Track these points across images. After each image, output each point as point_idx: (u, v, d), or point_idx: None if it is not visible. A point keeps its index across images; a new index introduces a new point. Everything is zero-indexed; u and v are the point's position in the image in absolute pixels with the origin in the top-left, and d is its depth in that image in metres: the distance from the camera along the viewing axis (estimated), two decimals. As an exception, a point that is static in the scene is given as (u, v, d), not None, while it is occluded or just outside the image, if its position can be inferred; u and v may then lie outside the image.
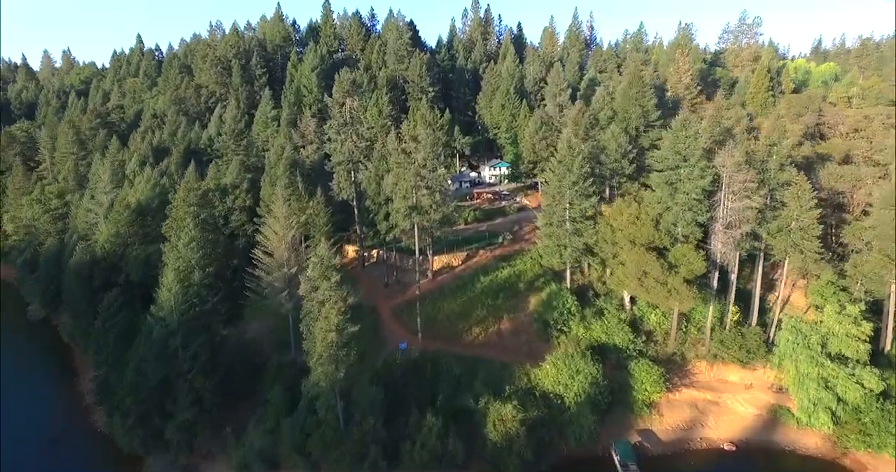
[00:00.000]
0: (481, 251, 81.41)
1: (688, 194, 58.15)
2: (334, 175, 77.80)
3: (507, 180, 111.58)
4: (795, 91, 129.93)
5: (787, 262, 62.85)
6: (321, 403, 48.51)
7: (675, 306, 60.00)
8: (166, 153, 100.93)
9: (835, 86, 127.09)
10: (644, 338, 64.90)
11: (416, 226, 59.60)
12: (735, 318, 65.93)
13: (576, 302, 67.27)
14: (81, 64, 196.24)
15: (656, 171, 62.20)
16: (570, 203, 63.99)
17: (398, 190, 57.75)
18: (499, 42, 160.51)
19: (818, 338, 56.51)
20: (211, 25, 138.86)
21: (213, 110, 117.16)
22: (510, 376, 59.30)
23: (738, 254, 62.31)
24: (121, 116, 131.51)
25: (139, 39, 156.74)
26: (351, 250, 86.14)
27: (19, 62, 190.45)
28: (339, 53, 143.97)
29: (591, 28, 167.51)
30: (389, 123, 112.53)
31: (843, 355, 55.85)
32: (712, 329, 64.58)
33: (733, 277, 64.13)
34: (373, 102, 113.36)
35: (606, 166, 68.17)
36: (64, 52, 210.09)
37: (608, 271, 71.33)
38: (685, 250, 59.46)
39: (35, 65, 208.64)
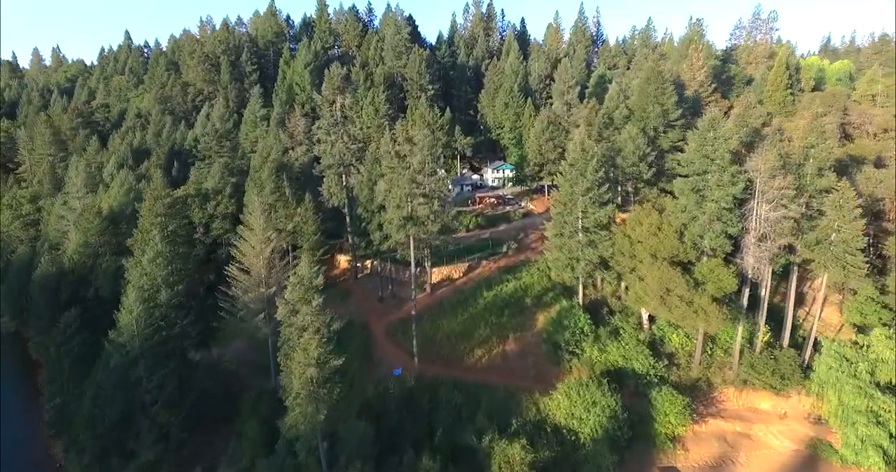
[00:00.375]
0: (484, 262, 75.06)
1: (717, 203, 51.69)
2: (324, 180, 71.46)
3: (511, 183, 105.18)
4: (815, 89, 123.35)
5: (824, 277, 56.31)
6: (301, 444, 42.14)
7: (701, 327, 53.54)
8: (147, 155, 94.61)
9: (857, 83, 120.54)
10: (665, 362, 58.42)
11: (411, 238, 53.20)
12: (765, 339, 59.46)
13: (589, 321, 60.83)
14: (71, 62, 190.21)
15: (680, 176, 55.75)
16: (583, 211, 57.57)
17: (391, 198, 51.42)
18: (501, 38, 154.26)
19: (866, 366, 50.02)
20: (201, 21, 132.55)
21: (200, 109, 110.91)
22: (517, 406, 52.89)
23: (770, 269, 55.82)
24: (105, 116, 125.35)
25: (127, 36, 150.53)
26: (343, 260, 79.85)
27: (7, 60, 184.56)
28: (335, 50, 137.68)
29: (598, 24, 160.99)
30: (386, 122, 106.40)
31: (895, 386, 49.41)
32: (741, 352, 58.08)
33: (765, 294, 57.64)
34: (369, 101, 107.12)
35: (623, 170, 61.75)
36: (53, 49, 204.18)
37: (623, 284, 65.01)
38: (713, 265, 53.03)
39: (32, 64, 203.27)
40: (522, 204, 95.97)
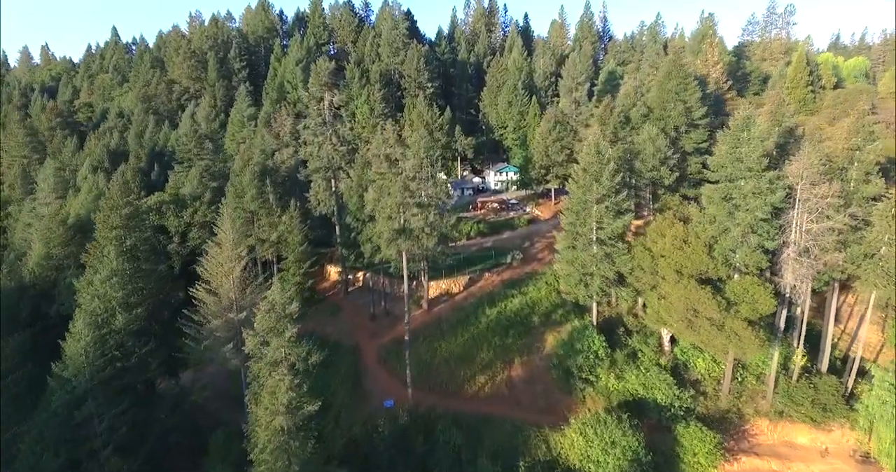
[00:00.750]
0: (486, 274, 68.68)
1: (752, 213, 45.24)
2: (311, 185, 65.16)
3: (514, 187, 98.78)
4: (836, 87, 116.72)
5: (872, 296, 49.82)
6: (272, 500, 35.81)
7: (734, 353, 47.12)
8: (126, 157, 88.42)
9: (882, 80, 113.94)
10: (691, 391, 51.99)
11: (404, 254, 46.87)
12: (802, 363, 53.00)
13: (604, 343, 54.45)
14: (60, 60, 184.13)
15: (709, 182, 49.32)
16: (597, 221, 51.19)
17: (381, 209, 45.05)
18: (504, 34, 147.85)
19: (927, 401, 43.61)
20: (191, 16, 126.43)
21: (186, 109, 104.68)
22: (524, 444, 46.53)
23: (810, 287, 49.39)
24: (88, 115, 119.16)
25: (114, 33, 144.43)
26: (333, 272, 73.53)
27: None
28: (330, 46, 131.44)
29: (605, 19, 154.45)
30: (382, 122, 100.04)
31: (960, 424, 42.96)
32: (776, 379, 51.63)
33: (803, 315, 51.19)
34: (363, 99, 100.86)
35: (642, 175, 55.36)
36: (42, 47, 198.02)
37: (641, 300, 58.72)
38: (748, 284, 46.59)
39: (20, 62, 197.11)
40: (527, 209, 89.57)
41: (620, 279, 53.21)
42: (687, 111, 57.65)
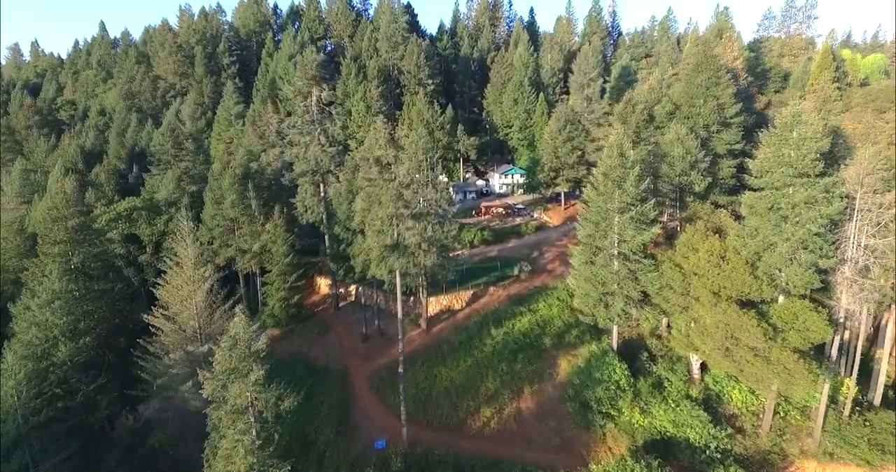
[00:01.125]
0: (492, 288, 62.27)
1: (804, 226, 38.70)
2: (298, 189, 58.79)
3: (521, 191, 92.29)
4: (862, 84, 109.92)
5: (937, 321, 43.22)
6: None
7: (781, 387, 40.59)
8: (101, 158, 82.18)
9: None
10: (727, 428, 45.39)
11: (398, 274, 40.45)
12: (854, 396, 46.44)
13: (626, 371, 47.97)
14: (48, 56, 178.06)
15: (750, 189, 42.77)
16: (620, 234, 44.70)
17: (370, 221, 38.65)
18: (509, 29, 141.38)
19: None
20: (180, 9, 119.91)
21: (171, 106, 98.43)
22: (537, 494, 40.20)
23: (867, 310, 42.83)
24: (71, 113, 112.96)
25: (102, 27, 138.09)
26: (324, 284, 67.14)
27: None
28: (325, 41, 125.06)
29: (614, 14, 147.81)
30: (373, 119, 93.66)
31: None
32: (825, 414, 45.05)
33: (858, 342, 44.61)
34: (360, 96, 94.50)
35: (669, 180, 48.88)
36: (32, 43, 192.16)
37: (665, 320, 52.35)
38: (799, 308, 40.07)
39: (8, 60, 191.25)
40: (535, 215, 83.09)
41: (645, 299, 46.68)
42: (719, 108, 51.11)
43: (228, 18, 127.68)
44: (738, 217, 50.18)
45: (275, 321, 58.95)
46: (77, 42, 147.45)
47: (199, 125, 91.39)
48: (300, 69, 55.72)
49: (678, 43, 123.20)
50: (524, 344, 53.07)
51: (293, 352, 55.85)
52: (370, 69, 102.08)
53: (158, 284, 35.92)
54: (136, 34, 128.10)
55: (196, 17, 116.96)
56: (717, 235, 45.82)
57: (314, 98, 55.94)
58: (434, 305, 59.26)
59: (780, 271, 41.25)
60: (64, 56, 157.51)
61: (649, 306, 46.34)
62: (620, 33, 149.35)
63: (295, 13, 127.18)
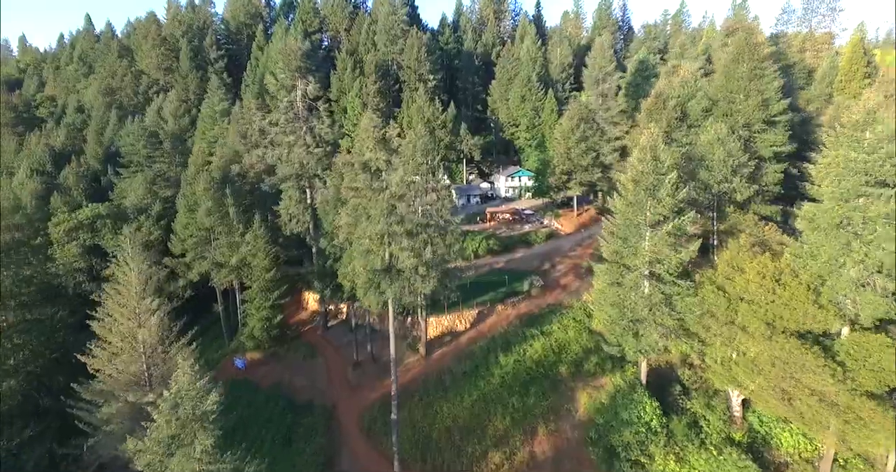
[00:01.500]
0: (499, 306, 55.65)
1: (882, 246, 31.96)
2: (282, 196, 52.21)
3: (529, 194, 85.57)
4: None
5: None
6: None
7: (853, 441, 33.82)
8: (76, 158, 75.62)
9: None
10: (778, 480, 38.72)
11: (390, 304, 33.82)
12: (924, 441, 39.62)
13: (658, 410, 41.28)
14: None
15: (810, 200, 36.01)
16: (653, 252, 37.98)
17: (357, 239, 32.05)
18: (514, 24, 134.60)
19: None
20: (168, 1, 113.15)
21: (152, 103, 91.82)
22: None
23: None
24: (51, 110, 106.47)
25: (87, 20, 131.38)
26: (313, 300, 60.51)
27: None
28: (321, 35, 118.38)
29: (625, 8, 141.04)
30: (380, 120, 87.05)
31: None
32: None
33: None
34: (355, 92, 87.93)
35: (707, 188, 42.15)
36: (20, 38, 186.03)
37: (695, 343, 45.55)
38: (874, 344, 33.33)
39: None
40: (545, 222, 76.38)
41: (682, 327, 39.94)
42: (764, 104, 44.37)
43: (219, 10, 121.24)
44: (786, 230, 43.49)
45: (255, 344, 52.40)
46: (62, 36, 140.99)
47: (182, 124, 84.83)
48: (283, 59, 49.14)
49: (693, 40, 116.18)
50: (537, 374, 46.48)
51: (274, 382, 49.25)
52: (367, 64, 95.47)
53: (93, 317, 29.36)
54: (109, 23, 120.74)
55: (183, 9, 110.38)
56: (765, 252, 39.13)
57: (299, 92, 49.36)
58: (434, 326, 52.66)
59: (847, 297, 34.48)
60: (48, 51, 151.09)
61: (687, 335, 39.58)
62: (631, 28, 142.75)
63: (289, 5, 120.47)
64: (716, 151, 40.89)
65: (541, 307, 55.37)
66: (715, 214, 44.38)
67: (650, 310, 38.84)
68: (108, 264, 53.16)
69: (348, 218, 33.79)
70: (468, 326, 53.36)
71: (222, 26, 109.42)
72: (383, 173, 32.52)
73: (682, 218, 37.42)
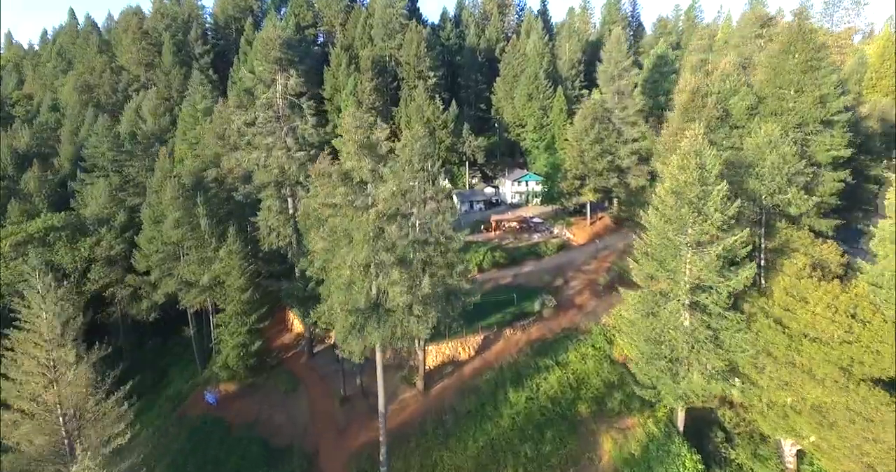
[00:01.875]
0: (507, 330, 49.35)
1: None
2: (261, 206, 45.77)
3: (537, 200, 79.12)
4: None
5: None
6: None
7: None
8: (42, 161, 69.22)
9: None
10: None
11: (378, 348, 27.39)
12: None
13: (699, 465, 34.75)
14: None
15: (892, 218, 29.50)
16: (697, 278, 31.54)
17: (335, 269, 25.63)
18: (519, 19, 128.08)
19: None
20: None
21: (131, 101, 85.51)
22: None
23: None
24: (27, 109, 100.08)
25: (71, 14, 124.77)
26: (298, 321, 53.99)
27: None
28: (316, 30, 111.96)
29: (634, 3, 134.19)
30: (371, 118, 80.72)
31: None
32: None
33: None
34: (349, 90, 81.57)
35: (757, 199, 35.72)
36: (6, 35, 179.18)
37: (746, 386, 38.98)
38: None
39: None
40: (555, 231, 69.88)
41: (731, 368, 33.45)
42: (820, 101, 37.88)
43: (207, 3, 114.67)
44: (850, 250, 37.05)
45: (229, 374, 45.97)
46: (45, 32, 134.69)
47: (162, 124, 78.65)
48: (261, 49, 42.83)
49: (710, 35, 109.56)
50: (553, 414, 40.11)
51: (249, 420, 42.76)
52: (363, 59, 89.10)
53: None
54: (89, 16, 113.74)
55: (168, 0, 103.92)
56: (823, 276, 32.66)
57: (279, 87, 42.96)
58: (434, 354, 46.24)
59: (941, 338, 27.96)
60: (34, 46, 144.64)
61: (739, 378, 33.09)
62: (641, 24, 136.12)
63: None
64: (767, 157, 34.48)
65: (554, 332, 49.00)
66: (762, 229, 37.89)
67: (693, 348, 32.39)
68: (63, 283, 46.76)
69: (324, 242, 27.39)
70: (473, 354, 46.97)
71: (210, 20, 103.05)
72: (369, 186, 26.09)
73: (734, 237, 30.94)
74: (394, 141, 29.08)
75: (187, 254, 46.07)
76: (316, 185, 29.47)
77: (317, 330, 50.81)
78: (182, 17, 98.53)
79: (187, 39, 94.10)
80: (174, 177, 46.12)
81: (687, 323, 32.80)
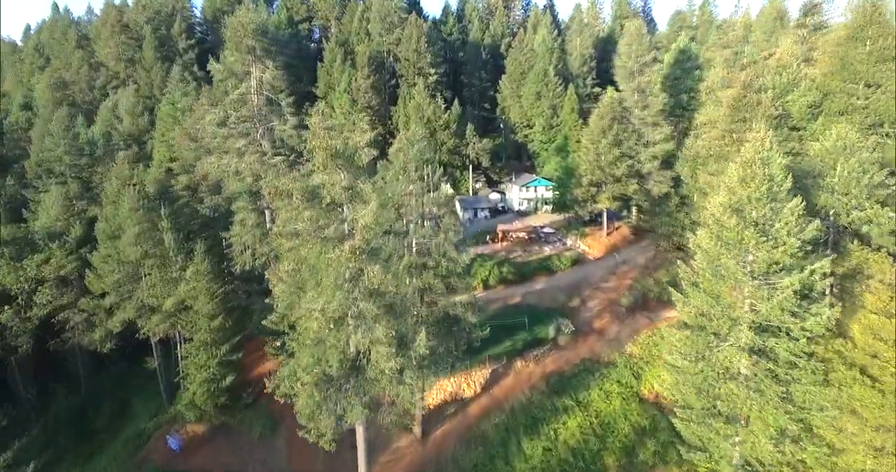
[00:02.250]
0: (518, 361, 43.10)
1: None
2: (234, 219, 39.49)
3: (547, 208, 72.76)
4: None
5: None
6: None
7: None
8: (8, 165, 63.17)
9: None
10: None
11: (359, 427, 21.09)
12: None
13: (760, 543, 28.33)
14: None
15: None
16: (765, 317, 25.18)
17: (303, 317, 19.37)
18: (525, 14, 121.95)
19: None
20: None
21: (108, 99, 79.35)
22: None
23: None
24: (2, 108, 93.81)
25: (55, 8, 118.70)
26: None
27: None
28: (310, 25, 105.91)
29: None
30: (367, 118, 74.58)
31: None
32: None
33: None
34: (343, 87, 75.43)
35: (830, 216, 29.36)
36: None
37: (821, 450, 32.51)
38: None
39: None
40: (568, 242, 63.50)
41: (804, 428, 27.01)
42: (901, 97, 31.62)
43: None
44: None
45: (197, 414, 39.66)
46: (28, 27, 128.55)
47: (140, 123, 72.53)
48: (231, 36, 36.60)
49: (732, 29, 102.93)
50: (576, 470, 33.72)
51: (215, 474, 36.50)
52: (359, 55, 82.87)
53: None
54: (67, 9, 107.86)
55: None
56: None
57: (254, 81, 36.76)
58: (434, 391, 39.89)
59: None
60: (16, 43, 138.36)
61: (813, 442, 26.63)
62: (652, 19, 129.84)
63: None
64: (843, 165, 28.18)
65: (572, 363, 42.72)
66: (829, 251, 31.47)
67: (753, 403, 26.02)
68: (5, 308, 40.57)
69: (285, 285, 21.06)
70: (479, 390, 40.64)
71: (196, 13, 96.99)
72: (345, 209, 19.70)
73: (812, 267, 24.56)
74: (388, 144, 22.90)
75: (149, 274, 39.78)
76: (275, 207, 23.26)
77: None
78: (166, 10, 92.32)
79: (171, 33, 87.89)
80: (135, 185, 39.83)
81: (747, 372, 26.42)
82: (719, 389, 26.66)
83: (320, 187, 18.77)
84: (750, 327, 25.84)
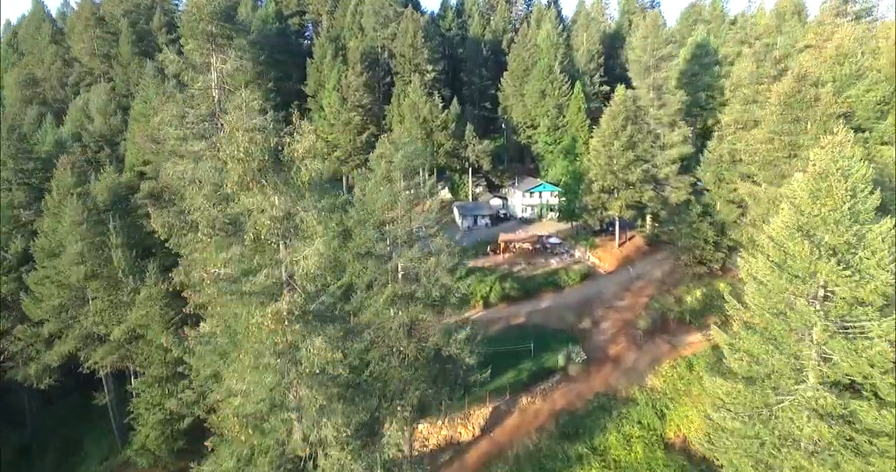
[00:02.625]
0: (523, 397, 37.58)
1: None
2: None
3: (553, 214, 67.18)
4: None
5: None
6: None
7: None
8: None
9: None
10: None
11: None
12: None
13: None
14: None
15: None
16: (843, 373, 19.61)
17: (229, 400, 13.87)
18: (527, 10, 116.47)
19: None
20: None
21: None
22: None
23: None
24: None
25: (35, 2, 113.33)
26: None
27: None
28: (303, 19, 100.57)
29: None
30: (359, 118, 69.27)
31: None
32: None
33: None
34: (332, 84, 70.03)
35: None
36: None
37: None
38: None
39: None
40: (577, 254, 57.94)
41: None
42: None
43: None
44: None
45: (150, 460, 34.17)
46: (9, 23, 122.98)
47: (113, 123, 67.00)
48: (187, 21, 31.18)
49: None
50: (594, 539, 28.21)
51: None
52: (351, 50, 77.56)
53: None
54: (42, 2, 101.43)
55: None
56: None
57: (214, 75, 31.32)
58: (427, 435, 34.34)
59: None
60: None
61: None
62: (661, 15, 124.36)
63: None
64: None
65: (585, 399, 37.19)
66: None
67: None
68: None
69: (202, 360, 15.34)
70: (477, 432, 35.08)
71: (176, 6, 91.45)
72: (281, 246, 14.00)
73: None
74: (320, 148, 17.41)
75: (95, 298, 34.26)
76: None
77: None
78: (145, 3, 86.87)
79: (150, 28, 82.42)
80: (80, 194, 34.34)
81: (814, 433, 20.87)
82: (784, 457, 21.09)
83: (242, 216, 13.33)
84: (822, 383, 20.32)
